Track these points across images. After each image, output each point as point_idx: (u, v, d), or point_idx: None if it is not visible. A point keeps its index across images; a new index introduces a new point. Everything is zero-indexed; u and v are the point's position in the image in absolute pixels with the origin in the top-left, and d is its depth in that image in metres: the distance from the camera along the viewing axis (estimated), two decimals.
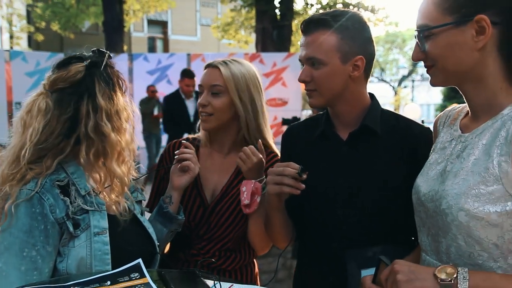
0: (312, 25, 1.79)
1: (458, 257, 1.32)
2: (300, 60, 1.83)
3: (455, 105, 1.57)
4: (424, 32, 1.36)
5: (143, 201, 1.97)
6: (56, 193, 1.59)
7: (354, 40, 1.77)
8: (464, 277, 1.21)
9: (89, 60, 1.70)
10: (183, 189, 1.99)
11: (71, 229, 1.58)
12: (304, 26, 1.81)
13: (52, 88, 1.68)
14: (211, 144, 2.18)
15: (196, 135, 2.27)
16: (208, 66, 2.13)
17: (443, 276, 1.22)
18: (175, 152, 2.02)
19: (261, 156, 1.94)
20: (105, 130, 1.64)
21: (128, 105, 1.76)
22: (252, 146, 1.96)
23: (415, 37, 1.42)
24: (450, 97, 19.87)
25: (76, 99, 1.65)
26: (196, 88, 5.90)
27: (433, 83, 1.44)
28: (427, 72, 1.42)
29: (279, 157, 2.12)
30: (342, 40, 1.75)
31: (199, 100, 2.10)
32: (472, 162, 1.30)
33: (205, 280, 1.51)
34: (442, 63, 1.35)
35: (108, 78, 1.70)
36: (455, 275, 1.21)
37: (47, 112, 1.65)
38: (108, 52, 1.76)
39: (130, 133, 1.75)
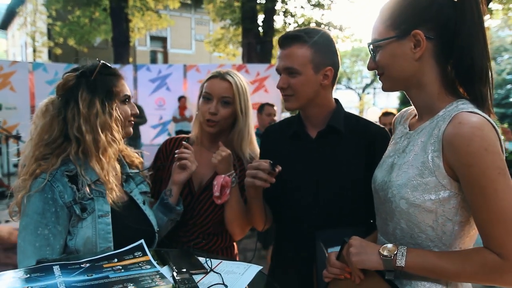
0: (288, 40, 1.78)
1: (402, 238, 1.34)
2: (277, 69, 1.83)
3: (410, 107, 1.57)
4: (373, 45, 1.38)
5: (148, 191, 1.96)
6: (65, 181, 1.60)
7: (324, 53, 1.77)
8: (402, 254, 1.25)
9: (80, 71, 1.70)
10: (182, 184, 1.98)
11: (78, 212, 1.59)
12: (281, 41, 1.80)
13: (56, 94, 1.71)
14: (202, 143, 2.16)
15: (189, 135, 2.24)
16: (217, 77, 2.08)
17: (385, 252, 1.27)
18: (175, 151, 2.01)
19: (228, 151, 1.94)
20: (84, 132, 1.64)
21: (114, 110, 1.72)
22: (220, 144, 1.97)
23: (370, 52, 1.43)
24: (406, 102, 19.93)
25: (65, 104, 1.67)
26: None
27: (384, 89, 1.45)
28: (379, 79, 1.44)
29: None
30: (315, 53, 1.75)
31: (206, 107, 2.05)
32: (412, 157, 1.32)
33: (198, 257, 1.51)
34: (388, 70, 1.37)
35: (93, 87, 1.68)
36: (395, 252, 1.26)
37: (48, 114, 1.67)
38: (103, 62, 1.74)
39: (111, 135, 1.71)
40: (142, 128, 9.81)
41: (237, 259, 2.26)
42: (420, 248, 1.31)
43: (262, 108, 6.06)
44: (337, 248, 1.51)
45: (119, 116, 1.74)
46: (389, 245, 1.29)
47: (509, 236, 1.14)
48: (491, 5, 10.63)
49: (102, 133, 1.66)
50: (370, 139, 1.81)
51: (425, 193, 1.25)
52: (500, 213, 1.14)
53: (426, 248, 1.30)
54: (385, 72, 1.38)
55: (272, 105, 6.12)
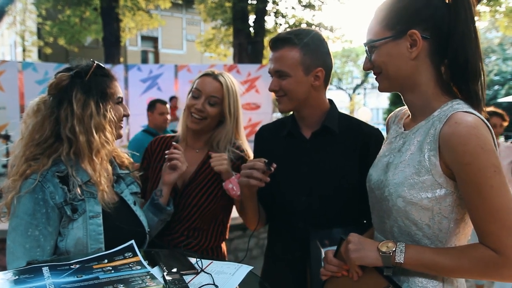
0: (278, 42, 1.78)
1: (400, 235, 1.36)
2: (269, 72, 1.83)
3: (404, 107, 1.59)
4: (370, 45, 1.39)
5: (138, 192, 1.94)
6: (56, 182, 1.59)
7: (314, 55, 1.77)
8: (401, 251, 1.26)
9: (74, 71, 1.68)
10: (172, 184, 1.98)
11: (68, 213, 1.58)
12: (272, 43, 1.80)
13: (48, 93, 1.69)
14: (187, 142, 2.17)
15: (175, 134, 2.25)
16: (210, 75, 2.09)
17: (384, 249, 1.28)
18: (166, 152, 2.00)
19: (224, 154, 2.00)
20: (77, 133, 1.62)
21: (108, 111, 1.71)
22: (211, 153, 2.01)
23: (366, 53, 1.44)
24: (396, 102, 20.17)
25: (58, 104, 1.65)
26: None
27: (380, 89, 1.46)
28: (376, 79, 1.45)
29: (246, 156, 2.13)
30: (305, 55, 1.75)
31: (193, 102, 2.07)
32: (408, 156, 1.33)
33: (188, 258, 1.50)
34: (385, 70, 1.38)
35: (88, 87, 1.66)
36: (394, 249, 1.27)
37: (39, 113, 1.65)
38: (97, 63, 1.72)
39: (104, 137, 1.70)
40: (133, 129, 9.75)
41: (226, 259, 2.26)
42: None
43: (154, 106, 5.43)
44: (331, 249, 1.51)
45: (113, 117, 1.73)
46: (388, 242, 1.31)
47: (504, 231, 1.16)
48: (479, 7, 10.73)
49: (96, 134, 1.65)
50: (364, 140, 1.82)
51: (421, 191, 1.27)
52: (496, 210, 1.17)
53: (424, 246, 1.31)
54: (383, 71, 1.39)
55: (164, 103, 5.54)
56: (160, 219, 1.94)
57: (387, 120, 1.66)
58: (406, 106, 1.52)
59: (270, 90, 1.82)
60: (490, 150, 1.19)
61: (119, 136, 1.81)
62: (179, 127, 2.21)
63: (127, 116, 1.82)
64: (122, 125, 1.82)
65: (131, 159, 1.98)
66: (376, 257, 1.29)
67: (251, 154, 2.15)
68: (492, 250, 1.18)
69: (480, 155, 1.18)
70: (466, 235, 1.34)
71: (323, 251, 1.67)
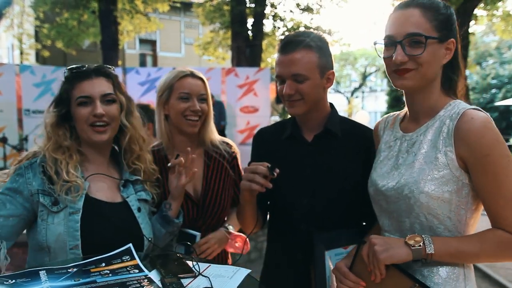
0: (292, 45, 1.72)
1: (421, 231, 1.40)
2: (280, 76, 1.76)
3: (390, 114, 1.69)
4: (419, 38, 1.38)
5: (148, 200, 1.90)
6: (38, 171, 1.64)
7: (327, 57, 1.76)
8: (429, 242, 1.32)
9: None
10: (181, 198, 1.94)
11: (45, 202, 1.61)
12: (284, 46, 1.74)
13: None
14: (176, 148, 2.12)
15: (156, 145, 2.17)
16: (188, 75, 2.08)
17: (412, 242, 1.33)
18: (168, 165, 1.96)
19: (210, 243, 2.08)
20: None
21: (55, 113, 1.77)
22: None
23: (400, 43, 1.40)
24: (393, 105, 20.26)
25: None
26: None
27: (407, 86, 1.45)
28: (404, 74, 1.42)
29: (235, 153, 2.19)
30: (320, 58, 1.73)
31: (186, 105, 2.05)
32: (423, 154, 1.40)
33: (186, 261, 1.50)
34: (426, 68, 1.41)
35: (63, 92, 1.75)
36: (422, 242, 1.32)
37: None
38: (65, 71, 1.77)
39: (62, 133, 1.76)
40: None
41: (229, 255, 2.27)
42: None
43: None
44: (335, 251, 1.53)
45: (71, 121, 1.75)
46: (413, 236, 1.35)
47: None
48: (476, 11, 10.74)
49: (53, 132, 1.71)
50: (366, 144, 1.81)
51: (442, 185, 1.35)
52: (511, 196, 1.28)
53: None
54: (422, 69, 1.40)
55: None
56: (167, 231, 1.90)
57: (375, 127, 1.71)
58: (394, 112, 1.62)
59: (286, 94, 1.74)
60: (503, 143, 1.32)
61: (90, 139, 1.74)
62: (162, 137, 2.14)
63: (97, 116, 1.70)
64: (94, 128, 1.72)
65: (155, 166, 1.96)
66: (407, 252, 1.33)
67: (236, 149, 2.21)
68: (509, 233, 1.30)
69: (496, 146, 1.30)
70: (476, 224, 1.43)
71: (327, 253, 1.67)
